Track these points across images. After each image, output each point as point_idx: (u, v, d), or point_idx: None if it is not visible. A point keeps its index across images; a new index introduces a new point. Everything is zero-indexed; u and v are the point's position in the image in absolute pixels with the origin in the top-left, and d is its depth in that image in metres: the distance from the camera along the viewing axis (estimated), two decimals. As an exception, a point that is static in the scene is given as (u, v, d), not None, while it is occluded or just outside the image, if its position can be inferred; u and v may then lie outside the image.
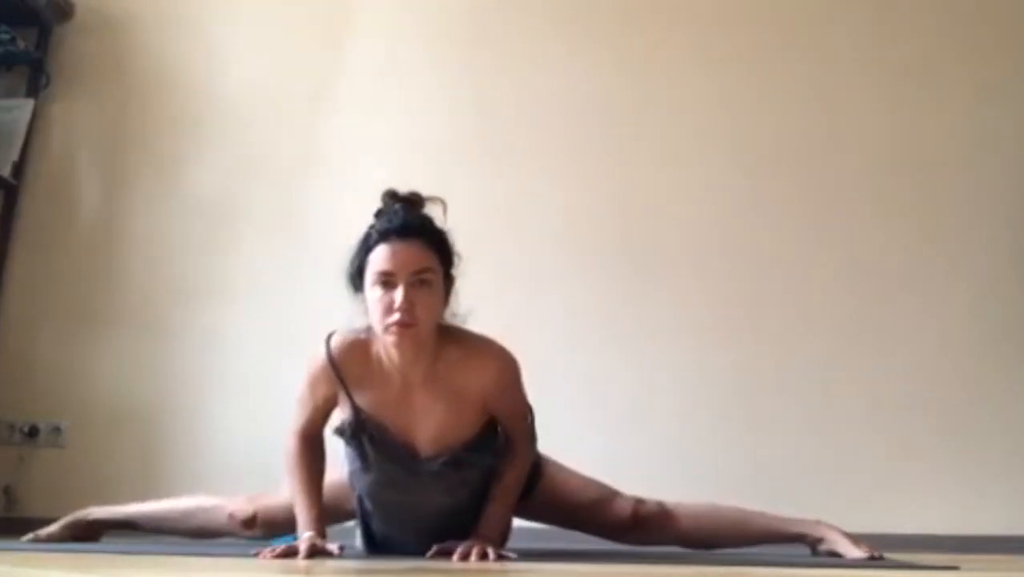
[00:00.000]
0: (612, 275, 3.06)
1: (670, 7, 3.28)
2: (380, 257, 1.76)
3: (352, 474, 1.90)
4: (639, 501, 2.07)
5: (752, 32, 3.23)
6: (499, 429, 1.92)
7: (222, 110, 3.26)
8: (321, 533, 1.77)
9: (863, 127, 3.12)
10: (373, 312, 1.77)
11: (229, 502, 2.11)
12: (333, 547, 1.73)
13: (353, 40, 3.31)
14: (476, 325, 1.86)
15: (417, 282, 1.75)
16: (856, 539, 2.01)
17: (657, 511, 2.07)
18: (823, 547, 2.05)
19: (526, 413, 1.94)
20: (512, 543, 1.99)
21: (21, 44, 3.23)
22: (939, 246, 3.02)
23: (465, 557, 1.73)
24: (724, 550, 2.11)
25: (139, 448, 2.98)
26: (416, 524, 1.90)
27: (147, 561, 1.62)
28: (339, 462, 1.92)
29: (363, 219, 1.84)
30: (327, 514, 1.84)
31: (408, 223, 1.78)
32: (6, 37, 3.19)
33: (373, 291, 1.76)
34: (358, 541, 2.00)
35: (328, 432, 1.89)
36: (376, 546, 1.96)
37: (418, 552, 1.85)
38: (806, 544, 2.10)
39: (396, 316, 1.72)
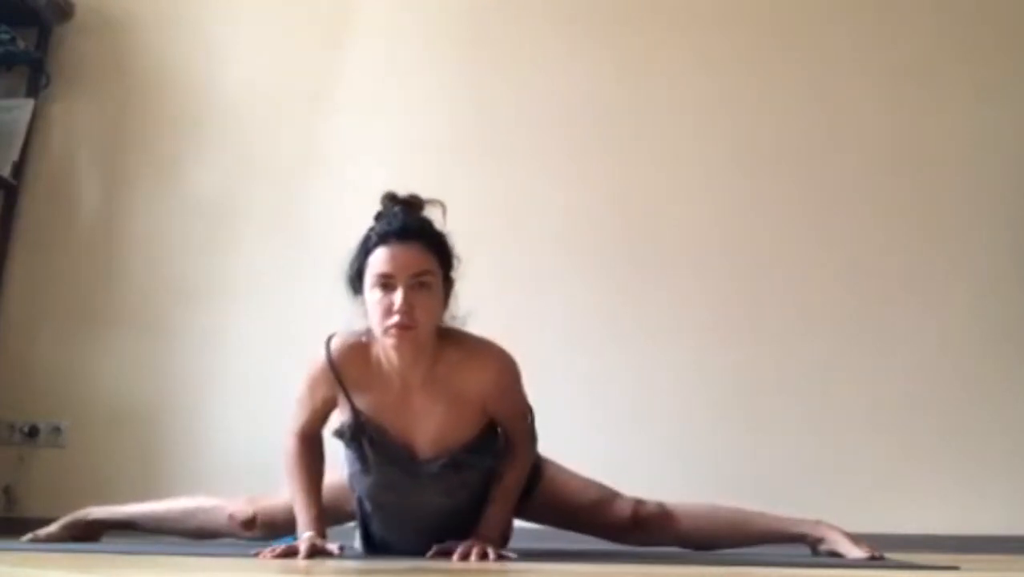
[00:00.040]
0: (612, 275, 3.06)
1: (670, 7, 3.28)
2: (379, 259, 1.76)
3: (352, 476, 1.90)
4: (639, 502, 2.07)
5: (752, 32, 3.23)
6: (499, 431, 1.92)
7: (222, 110, 3.26)
8: (321, 533, 1.77)
9: (863, 127, 3.12)
10: (372, 314, 1.76)
11: (229, 503, 2.11)
12: (333, 547, 1.74)
13: (353, 40, 3.31)
14: (476, 325, 1.86)
15: (416, 284, 1.75)
16: (857, 539, 2.01)
17: (657, 512, 2.07)
18: (824, 547, 2.05)
19: (526, 413, 1.94)
20: (512, 543, 2.00)
21: (21, 44, 3.23)
22: (939, 246, 3.02)
23: (465, 557, 1.73)
24: (724, 550, 2.11)
25: (139, 448, 2.98)
26: (416, 526, 1.90)
27: (147, 561, 1.62)
28: (339, 464, 1.92)
29: (363, 219, 1.84)
30: (327, 515, 1.84)
31: (407, 225, 1.78)
32: (6, 37, 3.18)
33: (372, 293, 1.76)
34: (357, 543, 2.00)
35: (328, 435, 1.89)
36: (375, 548, 1.96)
37: (418, 554, 1.85)
38: (807, 544, 2.10)
39: (395, 318, 1.72)
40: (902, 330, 2.95)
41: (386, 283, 1.75)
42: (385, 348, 1.79)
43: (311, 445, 1.87)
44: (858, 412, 2.88)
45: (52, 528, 2.12)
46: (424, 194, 1.85)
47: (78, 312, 3.12)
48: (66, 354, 3.07)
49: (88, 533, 2.15)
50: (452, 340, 1.84)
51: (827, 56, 3.18)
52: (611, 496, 2.08)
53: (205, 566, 1.55)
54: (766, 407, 2.91)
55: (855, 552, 1.96)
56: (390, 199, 1.84)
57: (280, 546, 1.71)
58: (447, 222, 1.84)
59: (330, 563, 1.67)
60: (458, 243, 1.84)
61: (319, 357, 1.83)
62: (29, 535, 2.09)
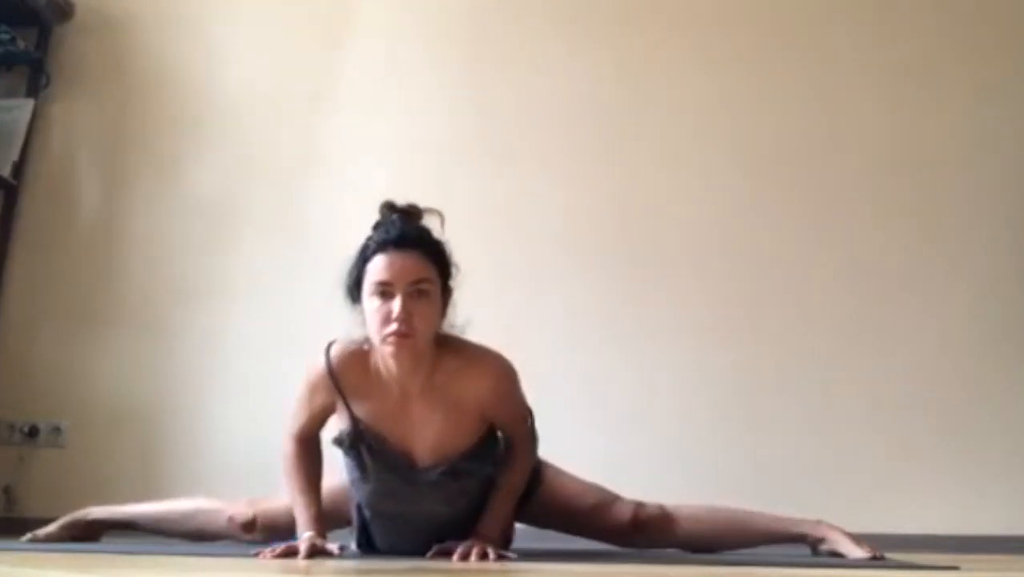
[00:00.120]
0: (612, 275, 3.05)
1: (670, 7, 3.28)
2: (377, 267, 1.76)
3: (351, 484, 1.90)
4: (639, 505, 2.07)
5: (752, 32, 3.23)
6: (498, 438, 1.92)
7: (222, 110, 3.26)
8: (321, 533, 1.77)
9: (863, 127, 3.12)
10: (371, 323, 1.76)
11: (229, 505, 2.11)
12: (333, 547, 1.74)
13: (353, 40, 3.31)
14: (476, 325, 1.86)
15: (415, 292, 1.74)
16: (858, 539, 2.01)
17: (658, 514, 2.06)
18: (824, 547, 2.05)
19: (526, 416, 1.94)
20: (512, 543, 1.99)
21: (21, 44, 3.23)
22: (939, 246, 3.02)
23: (465, 557, 1.73)
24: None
25: (139, 448, 2.97)
26: (415, 534, 1.90)
27: (147, 561, 1.62)
28: (338, 468, 1.92)
29: (363, 219, 1.84)
30: (327, 519, 1.84)
31: (405, 234, 1.78)
32: (6, 37, 3.18)
33: (371, 301, 1.76)
34: (353, 547, 2.00)
35: (326, 442, 1.89)
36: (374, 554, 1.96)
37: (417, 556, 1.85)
38: (807, 544, 2.09)
39: (394, 326, 1.72)
40: (902, 330, 2.95)
41: (384, 291, 1.74)
42: (384, 356, 1.79)
43: (309, 447, 1.88)
44: (858, 412, 2.88)
45: (52, 528, 2.11)
46: (423, 199, 1.85)
47: (78, 312, 3.11)
48: (66, 354, 3.07)
49: (88, 533, 2.15)
50: (450, 348, 1.83)
51: (827, 56, 3.18)
52: (611, 499, 2.08)
53: (205, 566, 1.55)
54: (766, 407, 2.91)
55: (856, 552, 1.96)
56: (388, 208, 1.84)
57: (280, 546, 1.71)
58: (447, 225, 1.84)
59: (330, 563, 1.67)
60: (458, 243, 1.84)
61: (319, 364, 1.83)
62: (29, 535, 2.09)
